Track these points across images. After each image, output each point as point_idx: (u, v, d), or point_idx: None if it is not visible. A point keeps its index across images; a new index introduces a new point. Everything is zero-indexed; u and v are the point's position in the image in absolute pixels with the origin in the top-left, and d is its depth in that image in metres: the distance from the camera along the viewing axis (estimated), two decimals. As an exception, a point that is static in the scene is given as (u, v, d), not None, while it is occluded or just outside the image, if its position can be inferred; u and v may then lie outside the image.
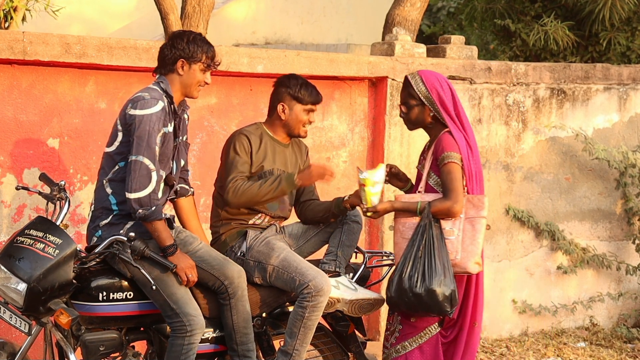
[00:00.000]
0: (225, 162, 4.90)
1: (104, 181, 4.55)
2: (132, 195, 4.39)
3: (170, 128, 4.56)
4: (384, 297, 4.97)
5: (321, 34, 13.95)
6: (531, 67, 7.28)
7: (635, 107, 7.69)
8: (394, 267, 4.79)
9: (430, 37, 12.58)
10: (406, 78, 4.82)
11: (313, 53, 6.47)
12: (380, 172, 4.75)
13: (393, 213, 4.82)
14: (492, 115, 7.15)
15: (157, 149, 4.44)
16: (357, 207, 4.99)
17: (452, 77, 6.84)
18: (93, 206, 4.61)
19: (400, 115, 4.87)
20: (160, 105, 4.46)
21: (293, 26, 13.77)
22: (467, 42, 8.60)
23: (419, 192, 4.77)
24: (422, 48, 6.92)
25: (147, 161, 4.40)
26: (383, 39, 7.61)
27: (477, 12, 9.62)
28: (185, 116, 4.77)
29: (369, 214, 4.74)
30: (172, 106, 4.58)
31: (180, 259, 4.49)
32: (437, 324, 4.79)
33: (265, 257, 4.84)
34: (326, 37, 13.91)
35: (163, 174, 4.59)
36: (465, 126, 4.78)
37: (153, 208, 4.41)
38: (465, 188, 4.72)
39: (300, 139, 5.09)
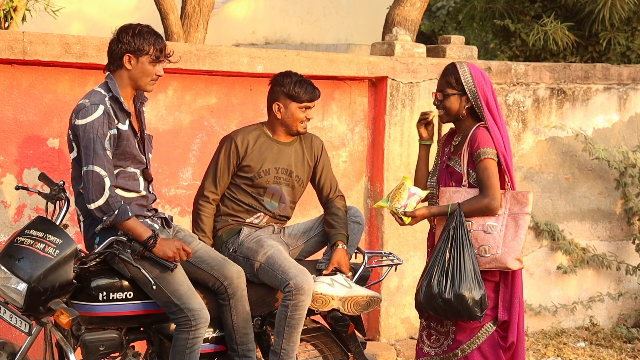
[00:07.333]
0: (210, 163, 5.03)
1: (80, 190, 4.49)
2: (92, 206, 4.36)
3: (125, 126, 4.49)
4: (381, 296, 4.96)
5: (321, 34, 13.97)
6: (531, 67, 7.28)
7: (635, 107, 7.69)
8: (422, 272, 4.67)
9: (430, 37, 12.57)
10: (453, 65, 4.69)
11: (313, 53, 6.47)
12: (404, 195, 4.64)
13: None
14: (492, 115, 7.14)
15: (108, 153, 4.39)
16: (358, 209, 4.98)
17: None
18: (82, 217, 4.56)
19: (434, 103, 4.73)
20: (100, 109, 4.39)
21: (293, 26, 13.78)
22: (467, 42, 8.61)
23: (463, 185, 4.66)
24: (422, 48, 6.91)
25: (97, 169, 4.35)
26: (383, 39, 7.61)
27: (477, 12, 9.62)
28: (143, 109, 4.69)
29: (407, 221, 4.64)
30: (120, 105, 4.48)
31: (164, 246, 4.42)
32: (492, 322, 4.65)
33: (253, 254, 4.85)
34: (326, 37, 13.93)
35: (137, 170, 4.56)
36: (502, 122, 4.69)
37: (116, 212, 4.36)
38: (508, 184, 4.64)
39: (313, 135, 5.11)
